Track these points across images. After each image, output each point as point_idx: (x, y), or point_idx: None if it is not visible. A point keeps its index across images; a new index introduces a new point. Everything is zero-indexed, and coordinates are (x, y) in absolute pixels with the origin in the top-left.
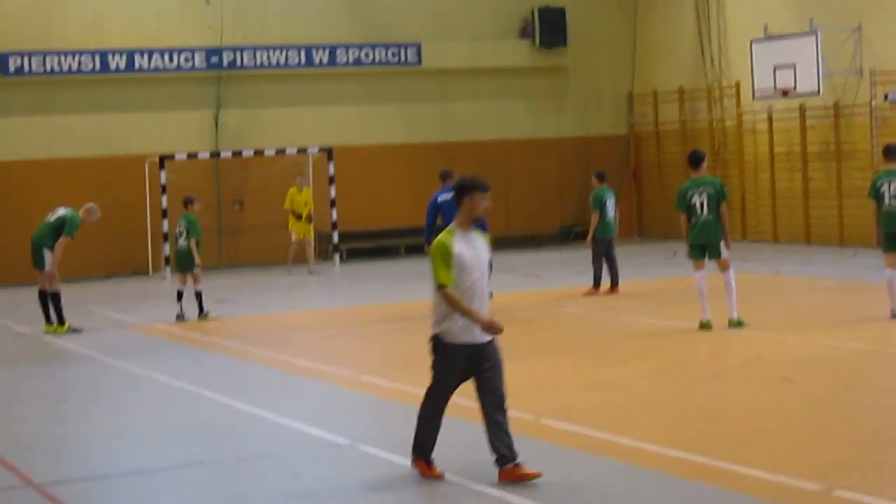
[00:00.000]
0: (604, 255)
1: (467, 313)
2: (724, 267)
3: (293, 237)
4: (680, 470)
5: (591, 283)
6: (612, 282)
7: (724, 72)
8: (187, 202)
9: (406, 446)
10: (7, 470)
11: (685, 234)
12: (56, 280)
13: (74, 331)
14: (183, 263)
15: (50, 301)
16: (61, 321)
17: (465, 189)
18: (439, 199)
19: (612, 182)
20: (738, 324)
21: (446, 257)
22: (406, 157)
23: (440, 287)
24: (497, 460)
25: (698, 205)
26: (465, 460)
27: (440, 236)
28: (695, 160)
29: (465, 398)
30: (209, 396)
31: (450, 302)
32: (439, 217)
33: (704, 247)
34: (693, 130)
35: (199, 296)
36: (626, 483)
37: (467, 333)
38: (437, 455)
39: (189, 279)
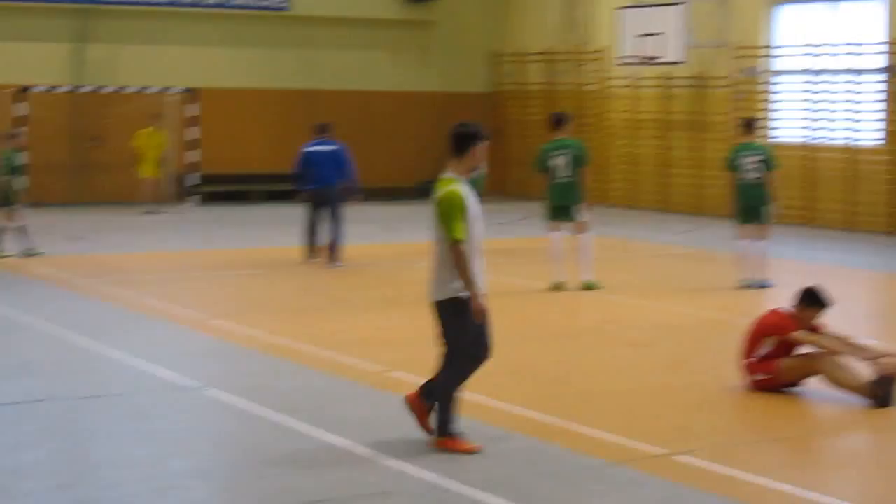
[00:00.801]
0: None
1: (469, 282)
2: (580, 229)
3: (145, 177)
4: (526, 428)
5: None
6: None
7: (591, 36)
8: (10, 136)
9: (254, 391)
10: None
11: (543, 194)
12: None
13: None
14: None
15: None
16: None
17: (469, 138)
18: (308, 150)
19: None
20: (591, 286)
21: (462, 210)
22: (268, 102)
23: (456, 243)
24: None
25: (558, 166)
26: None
27: (451, 186)
28: (556, 121)
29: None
30: (56, 333)
31: (461, 261)
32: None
33: (562, 208)
34: (557, 93)
35: (19, 231)
36: (473, 439)
37: (482, 284)
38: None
39: (12, 215)
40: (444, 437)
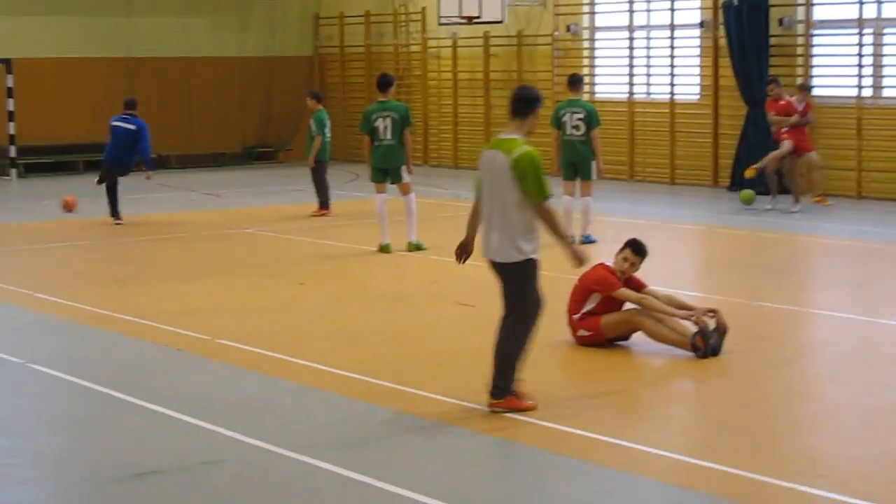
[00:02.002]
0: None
1: (562, 237)
2: (405, 191)
3: None
4: (354, 391)
5: (316, 203)
6: (323, 203)
7: None
8: None
9: (79, 365)
10: None
11: (367, 156)
12: None
13: None
14: None
15: None
16: None
17: (532, 101)
18: (113, 124)
19: (295, 104)
20: (417, 247)
21: (542, 168)
22: (88, 72)
23: (544, 199)
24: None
25: (381, 128)
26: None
27: (526, 148)
28: (383, 84)
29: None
30: None
31: (551, 218)
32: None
33: (386, 171)
34: (378, 54)
35: None
36: (301, 403)
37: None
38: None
39: None
40: (508, 398)
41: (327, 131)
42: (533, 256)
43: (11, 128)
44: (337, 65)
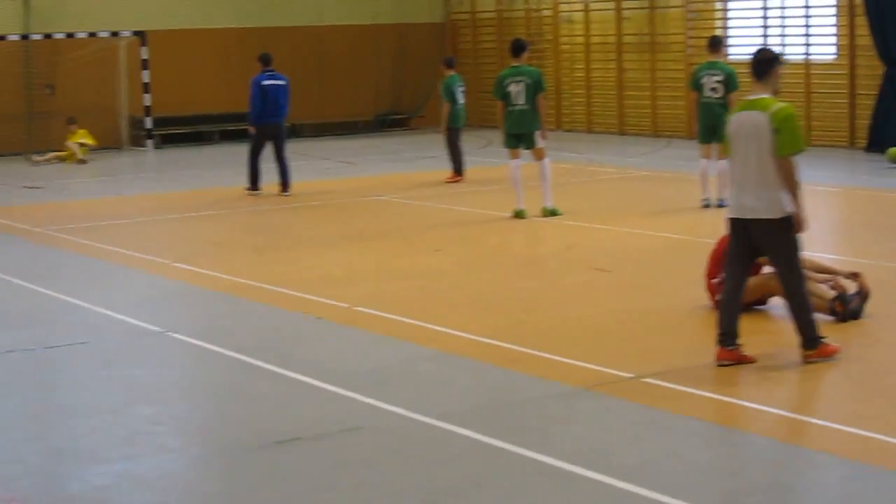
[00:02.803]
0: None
1: (798, 194)
2: (538, 156)
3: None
4: (493, 358)
5: (450, 169)
6: (457, 170)
7: None
8: None
9: (219, 333)
10: None
11: (501, 121)
12: None
13: None
14: None
15: None
16: None
17: (770, 61)
18: (263, 83)
19: (427, 72)
20: (552, 213)
21: (798, 123)
22: (222, 42)
23: (797, 152)
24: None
25: (514, 93)
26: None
27: (785, 105)
28: (516, 49)
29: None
30: (16, 283)
31: (793, 173)
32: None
33: (520, 136)
34: (509, 20)
35: None
36: (439, 370)
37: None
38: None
39: None
40: (819, 347)
41: (459, 97)
42: (790, 210)
43: (147, 99)
44: (468, 31)
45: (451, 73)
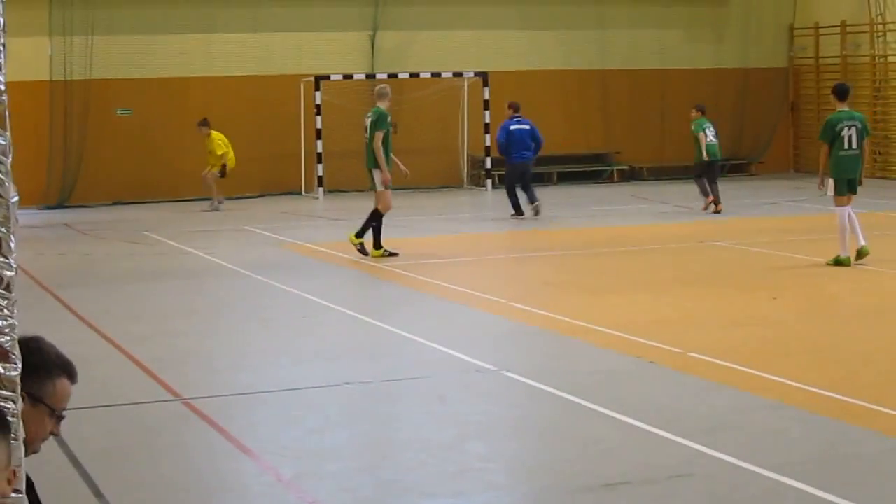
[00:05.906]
0: (704, 175)
1: None
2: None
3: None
4: (827, 410)
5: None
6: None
7: (887, 6)
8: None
9: (552, 374)
10: (156, 383)
11: (823, 164)
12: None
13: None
14: None
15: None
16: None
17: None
18: (511, 128)
19: (769, 116)
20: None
21: None
22: (561, 83)
23: None
24: None
25: (847, 138)
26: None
27: None
28: (843, 92)
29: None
30: (359, 318)
31: None
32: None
33: (850, 181)
34: (854, 66)
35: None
36: (773, 420)
37: None
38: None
39: None
40: None
41: (708, 135)
42: None
43: (487, 139)
44: (812, 76)
45: (701, 116)
